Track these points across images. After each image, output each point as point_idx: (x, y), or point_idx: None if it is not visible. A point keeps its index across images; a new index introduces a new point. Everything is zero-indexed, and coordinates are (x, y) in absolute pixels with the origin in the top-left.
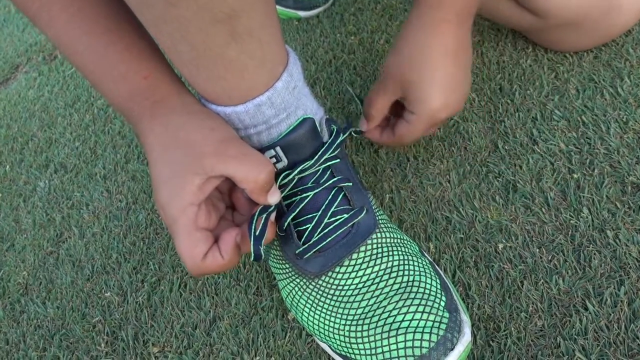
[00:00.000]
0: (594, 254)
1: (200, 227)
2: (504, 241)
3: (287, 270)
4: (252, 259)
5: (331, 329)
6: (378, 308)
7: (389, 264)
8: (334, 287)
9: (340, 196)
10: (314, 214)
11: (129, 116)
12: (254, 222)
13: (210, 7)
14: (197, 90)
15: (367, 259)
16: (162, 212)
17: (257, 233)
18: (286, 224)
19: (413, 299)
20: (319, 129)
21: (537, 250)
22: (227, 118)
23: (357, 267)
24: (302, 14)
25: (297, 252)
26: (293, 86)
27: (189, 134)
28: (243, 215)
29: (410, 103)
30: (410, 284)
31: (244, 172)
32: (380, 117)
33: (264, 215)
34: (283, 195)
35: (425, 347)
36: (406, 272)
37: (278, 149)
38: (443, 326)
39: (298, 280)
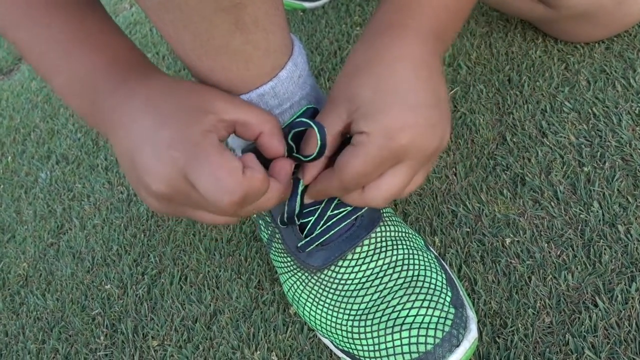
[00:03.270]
0: (605, 249)
1: (226, 149)
2: (511, 235)
3: (288, 263)
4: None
5: (333, 324)
6: (382, 303)
7: (393, 258)
8: (336, 281)
9: None
10: (317, 206)
11: (98, 88)
12: (300, 185)
13: None
14: (199, 79)
15: (370, 252)
16: (170, 149)
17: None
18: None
19: (418, 294)
20: None
21: (546, 245)
22: None
23: (360, 261)
24: (307, 5)
25: (299, 245)
26: (298, 75)
27: (194, 84)
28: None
29: (359, 121)
30: (415, 278)
31: (257, 115)
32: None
33: (300, 189)
34: None
35: (430, 344)
36: (411, 267)
37: None
38: (449, 322)
39: (300, 274)
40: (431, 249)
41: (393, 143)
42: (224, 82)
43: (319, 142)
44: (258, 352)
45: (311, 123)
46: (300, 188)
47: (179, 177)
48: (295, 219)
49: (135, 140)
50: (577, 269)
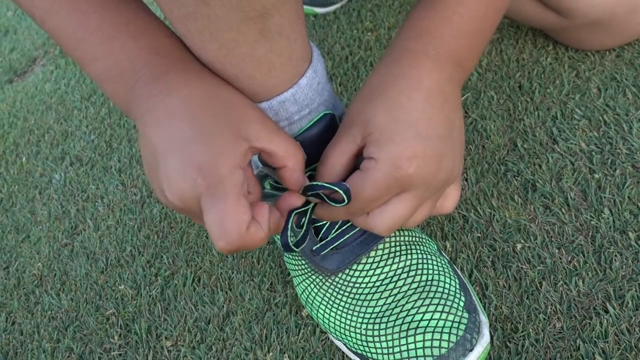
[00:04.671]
0: (615, 255)
1: (245, 194)
2: (522, 241)
3: (303, 266)
4: (279, 247)
5: (347, 327)
6: (396, 307)
7: (407, 262)
8: (350, 284)
9: None
10: None
11: (137, 75)
12: (292, 217)
13: (244, 6)
14: None
15: (385, 256)
16: (196, 171)
17: (289, 226)
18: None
19: (432, 298)
20: (338, 125)
21: (557, 250)
22: None
23: (374, 265)
24: (319, 10)
25: (314, 248)
26: (317, 82)
27: (233, 95)
28: (250, 193)
29: (370, 146)
30: (429, 283)
31: (285, 148)
32: (335, 173)
33: (309, 211)
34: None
35: (444, 348)
36: (425, 271)
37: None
38: (462, 326)
39: (314, 277)
40: (444, 254)
41: (399, 172)
42: (246, 89)
43: (346, 200)
44: (270, 354)
45: (335, 188)
46: (291, 221)
47: (194, 199)
48: (293, 247)
49: (166, 142)
50: (587, 275)
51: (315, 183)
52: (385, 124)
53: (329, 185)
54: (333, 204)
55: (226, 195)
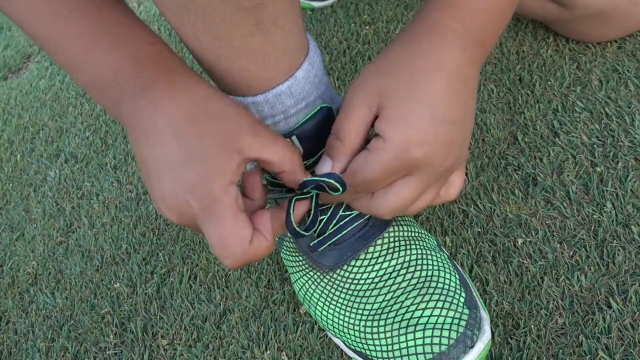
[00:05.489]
0: (618, 249)
1: (241, 209)
2: (523, 236)
3: (300, 263)
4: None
5: (346, 324)
6: (395, 303)
7: (407, 258)
8: (349, 281)
9: None
10: (329, 206)
11: (122, 88)
12: (292, 204)
13: None
14: (215, 80)
15: (383, 252)
16: (188, 194)
17: (292, 214)
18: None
19: (432, 294)
20: (336, 118)
21: (558, 245)
22: None
23: (373, 261)
24: (316, 4)
25: (311, 244)
26: (314, 75)
27: (221, 107)
28: (254, 200)
29: (382, 121)
30: (428, 278)
31: (280, 154)
32: (353, 144)
33: (314, 195)
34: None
35: (445, 344)
36: (424, 267)
37: (294, 138)
38: (463, 323)
39: (312, 273)
40: (443, 249)
41: (407, 155)
42: (241, 82)
43: (340, 190)
44: (268, 352)
45: (327, 179)
46: (292, 206)
47: (191, 219)
48: (302, 232)
49: (157, 163)
50: (590, 269)
51: (307, 179)
52: (400, 101)
53: (320, 178)
54: (332, 192)
55: (223, 215)
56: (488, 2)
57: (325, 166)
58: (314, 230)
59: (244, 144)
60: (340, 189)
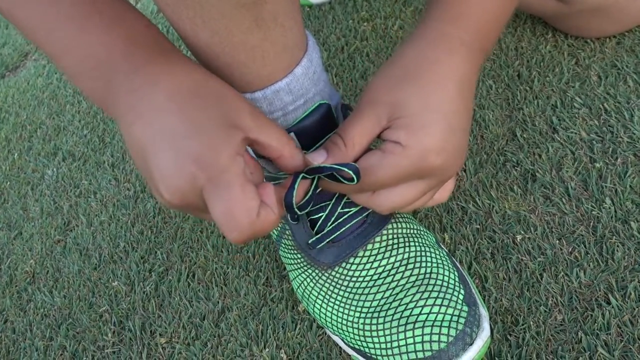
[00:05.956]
0: (617, 246)
1: (249, 180)
2: (522, 232)
3: (299, 260)
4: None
5: (344, 322)
6: (394, 300)
7: (405, 255)
8: (347, 278)
9: None
10: (327, 202)
11: (116, 66)
12: (298, 181)
13: None
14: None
15: (382, 249)
16: (194, 165)
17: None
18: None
19: (431, 291)
20: (334, 115)
21: (557, 241)
22: None
23: (372, 258)
24: (314, 1)
25: (309, 242)
26: (312, 71)
27: (221, 85)
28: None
29: (399, 130)
30: (427, 276)
31: (277, 138)
32: (353, 149)
33: (315, 178)
34: None
35: (444, 342)
36: (423, 264)
37: (292, 134)
38: (462, 320)
39: (310, 271)
40: (442, 246)
41: (425, 163)
42: (239, 79)
43: (355, 181)
44: (267, 350)
45: (345, 169)
46: (298, 182)
47: (195, 194)
48: (296, 210)
49: (155, 140)
50: (589, 266)
51: (323, 165)
52: (418, 110)
53: (339, 167)
54: (345, 181)
55: (231, 184)
56: (491, 12)
57: (319, 157)
58: (305, 212)
59: (245, 121)
60: (356, 180)
